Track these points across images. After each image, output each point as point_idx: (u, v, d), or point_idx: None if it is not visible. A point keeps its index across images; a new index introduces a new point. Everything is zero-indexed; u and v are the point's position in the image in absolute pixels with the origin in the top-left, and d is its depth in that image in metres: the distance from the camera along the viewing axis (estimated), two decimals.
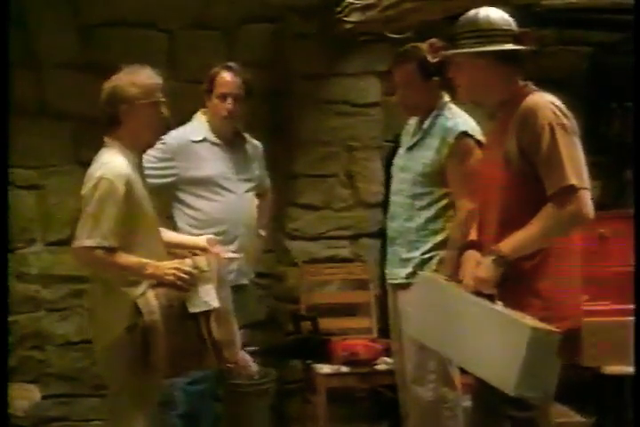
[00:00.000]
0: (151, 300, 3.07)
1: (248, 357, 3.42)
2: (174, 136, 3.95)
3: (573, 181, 2.76)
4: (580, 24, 5.04)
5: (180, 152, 3.97)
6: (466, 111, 3.80)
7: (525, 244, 2.82)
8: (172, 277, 3.11)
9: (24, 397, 4.44)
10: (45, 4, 4.75)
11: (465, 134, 3.67)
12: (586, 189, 2.78)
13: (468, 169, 3.57)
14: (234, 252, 3.87)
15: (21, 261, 4.79)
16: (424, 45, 3.75)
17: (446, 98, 3.81)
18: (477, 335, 2.82)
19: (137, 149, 3.26)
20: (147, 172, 3.65)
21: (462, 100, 3.11)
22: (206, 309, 3.12)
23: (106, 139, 3.22)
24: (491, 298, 2.83)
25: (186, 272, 3.13)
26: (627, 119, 5.04)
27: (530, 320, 2.70)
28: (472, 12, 3.01)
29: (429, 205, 3.72)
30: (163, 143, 3.88)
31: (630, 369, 3.86)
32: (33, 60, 4.79)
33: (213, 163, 4.01)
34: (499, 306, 2.80)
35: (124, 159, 3.15)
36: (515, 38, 2.93)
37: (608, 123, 5.15)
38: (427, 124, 3.76)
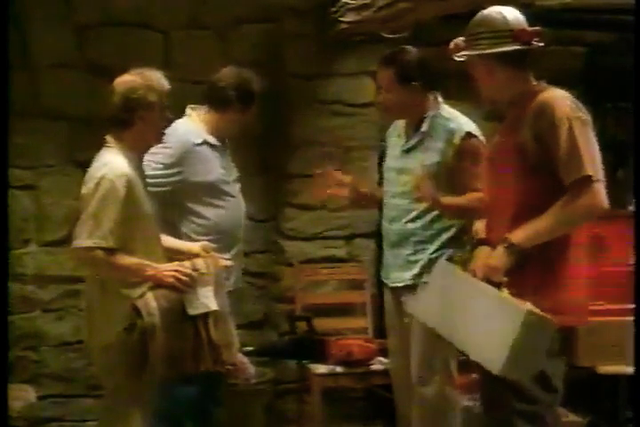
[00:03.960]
0: (150, 301, 3.07)
1: (246, 359, 3.42)
2: (178, 139, 3.76)
3: (590, 171, 2.79)
4: (576, 24, 5.05)
5: (186, 156, 3.78)
6: (462, 112, 3.82)
7: (537, 233, 2.83)
8: (171, 279, 3.11)
9: (19, 397, 4.44)
10: (41, 4, 4.75)
11: (470, 135, 3.69)
12: (600, 181, 2.81)
13: (481, 168, 3.60)
14: (235, 255, 3.83)
15: (16, 262, 4.77)
16: (411, 49, 3.80)
17: (440, 99, 3.82)
18: (477, 318, 2.84)
19: (139, 151, 3.26)
20: (154, 179, 3.60)
21: (482, 98, 3.11)
22: (205, 311, 3.12)
23: (108, 138, 3.22)
24: (498, 286, 2.84)
25: (185, 274, 3.13)
26: (621, 119, 5.06)
27: (529, 306, 2.71)
28: (485, 12, 3.01)
29: None
30: (168, 147, 3.71)
31: (625, 369, 3.89)
32: (28, 61, 4.79)
33: (214, 166, 3.86)
34: (504, 293, 2.81)
35: (126, 160, 3.15)
36: (525, 37, 2.94)
37: (603, 123, 5.15)
38: (425, 126, 3.76)
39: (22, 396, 4.49)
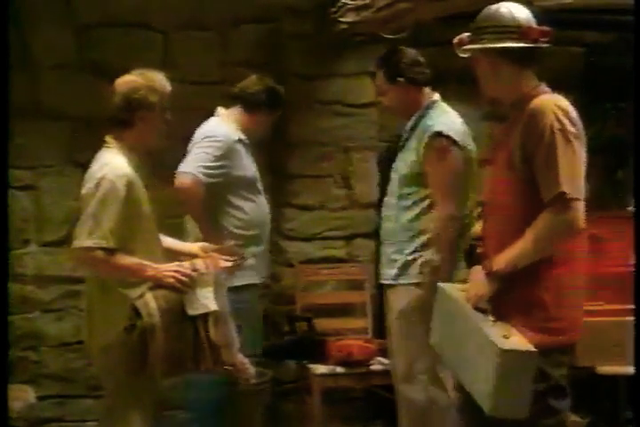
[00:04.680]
0: (150, 302, 3.07)
1: (246, 359, 3.42)
2: (223, 134, 3.97)
3: (565, 188, 2.68)
4: (575, 24, 5.05)
5: (230, 151, 3.96)
6: (461, 112, 3.81)
7: (517, 257, 2.76)
8: (171, 280, 3.11)
9: (19, 397, 4.44)
10: (41, 4, 4.75)
11: (439, 134, 3.62)
12: (578, 199, 2.71)
13: (447, 170, 3.59)
14: (265, 250, 4.05)
15: (16, 262, 4.78)
16: (401, 48, 3.81)
17: (435, 97, 3.81)
18: (469, 351, 2.83)
19: (139, 151, 3.26)
20: (208, 170, 3.83)
21: (485, 98, 3.09)
22: (205, 311, 3.12)
23: (108, 139, 3.22)
24: (485, 312, 2.82)
25: (185, 275, 3.13)
26: (621, 119, 5.06)
27: (510, 340, 2.68)
28: (493, 7, 2.95)
29: (414, 204, 3.72)
30: (217, 141, 3.92)
31: (625, 369, 3.89)
32: (29, 61, 4.79)
33: (248, 163, 4.05)
34: (489, 322, 2.78)
35: (126, 160, 3.15)
36: (533, 35, 2.87)
37: (603, 123, 5.16)
38: (410, 124, 3.78)
39: (22, 396, 4.50)
